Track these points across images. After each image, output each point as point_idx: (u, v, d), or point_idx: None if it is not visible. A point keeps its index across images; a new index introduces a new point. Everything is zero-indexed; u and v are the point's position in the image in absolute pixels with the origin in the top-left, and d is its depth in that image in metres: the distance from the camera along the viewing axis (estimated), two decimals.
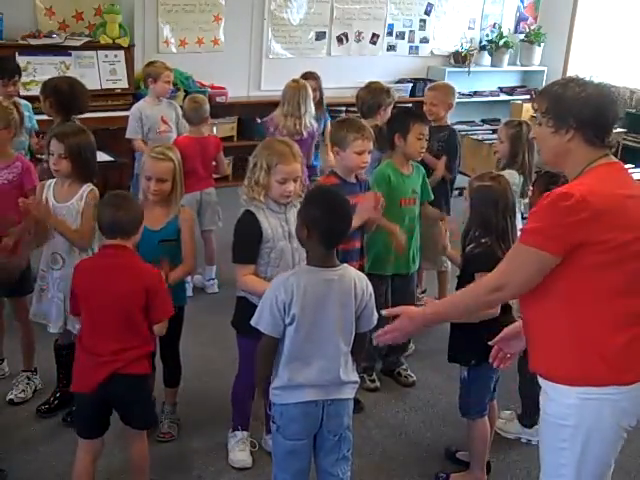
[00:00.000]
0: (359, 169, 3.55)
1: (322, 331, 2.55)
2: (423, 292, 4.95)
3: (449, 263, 4.76)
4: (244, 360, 3.23)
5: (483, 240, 3.05)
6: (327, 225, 2.53)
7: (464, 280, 3.10)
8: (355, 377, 2.69)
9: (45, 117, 4.52)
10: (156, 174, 3.20)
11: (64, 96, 4.19)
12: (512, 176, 3.97)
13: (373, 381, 4.02)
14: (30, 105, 4.68)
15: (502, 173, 3.95)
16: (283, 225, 3.06)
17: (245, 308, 3.05)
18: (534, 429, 3.62)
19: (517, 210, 3.92)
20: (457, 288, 3.16)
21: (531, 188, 3.64)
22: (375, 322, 2.69)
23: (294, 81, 5.13)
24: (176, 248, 3.26)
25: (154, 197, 3.22)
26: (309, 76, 5.56)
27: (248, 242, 3.03)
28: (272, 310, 2.53)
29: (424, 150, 3.90)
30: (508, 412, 3.75)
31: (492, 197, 3.04)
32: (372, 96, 4.66)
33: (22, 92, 5.79)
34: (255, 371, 2.77)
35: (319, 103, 5.50)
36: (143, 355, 2.80)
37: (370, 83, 4.85)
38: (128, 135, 5.19)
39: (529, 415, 3.63)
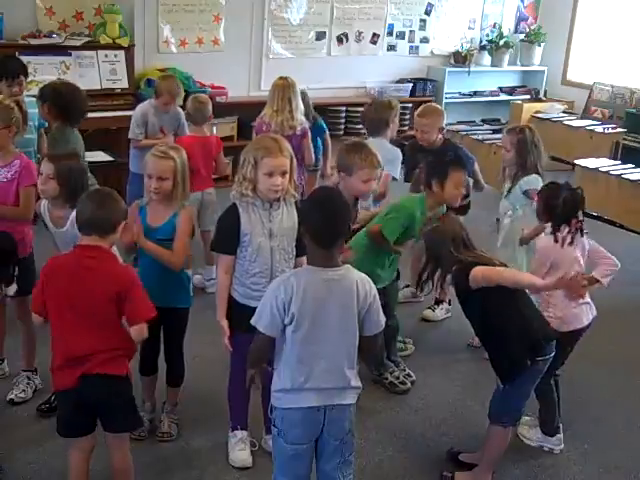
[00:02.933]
0: (363, 195, 3.57)
1: (323, 332, 2.54)
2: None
3: None
4: (236, 358, 3.23)
5: (454, 268, 3.09)
6: (319, 225, 2.54)
7: (470, 306, 3.14)
8: (358, 383, 2.66)
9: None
10: (157, 172, 3.20)
11: (63, 101, 4.16)
12: (536, 179, 4.02)
13: (404, 383, 4.01)
14: (35, 102, 4.66)
15: (525, 180, 4.05)
16: (264, 222, 3.08)
17: (233, 306, 3.10)
18: (556, 438, 3.59)
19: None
20: (470, 318, 3.17)
21: (536, 197, 3.62)
22: (383, 325, 2.66)
23: (281, 79, 5.11)
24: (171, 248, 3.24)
25: (155, 196, 3.23)
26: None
27: (225, 233, 3.12)
28: (272, 310, 2.53)
29: (461, 197, 3.79)
30: (528, 418, 3.68)
31: (445, 237, 3.11)
32: (377, 114, 4.60)
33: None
34: (247, 363, 2.76)
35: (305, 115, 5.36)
36: (120, 355, 2.77)
37: (373, 101, 4.86)
38: (130, 135, 5.19)
39: (548, 423, 3.59)
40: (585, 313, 3.47)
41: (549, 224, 3.48)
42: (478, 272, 3.02)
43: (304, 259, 3.02)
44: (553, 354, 3.13)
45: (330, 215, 2.53)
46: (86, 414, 2.79)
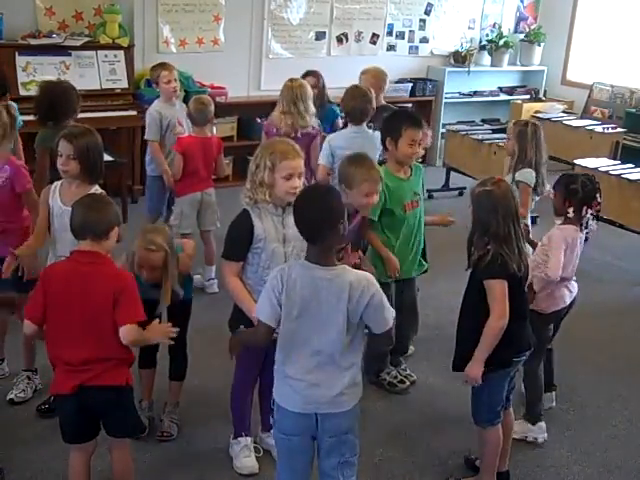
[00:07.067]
0: (364, 209, 3.48)
1: (309, 328, 2.51)
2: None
3: None
4: (239, 363, 3.21)
5: (488, 247, 2.96)
6: (306, 221, 2.54)
7: (472, 287, 3.05)
8: (355, 380, 2.62)
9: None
10: (148, 263, 3.14)
11: (45, 101, 4.09)
12: (530, 174, 4.15)
13: (402, 382, 4.02)
14: (16, 105, 4.54)
15: (519, 172, 4.15)
16: (278, 227, 3.05)
17: (242, 310, 3.04)
18: (537, 426, 3.62)
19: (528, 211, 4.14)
20: (465, 294, 3.11)
21: (552, 192, 3.65)
22: (391, 323, 2.58)
23: (290, 80, 5.12)
24: None
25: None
26: (309, 73, 5.60)
27: (237, 239, 3.07)
28: (270, 298, 2.53)
29: (417, 156, 3.77)
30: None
31: (491, 202, 2.97)
32: (355, 103, 4.60)
33: (22, 92, 5.84)
34: (242, 335, 2.82)
35: (320, 99, 5.50)
36: (117, 364, 2.75)
37: (348, 90, 4.78)
38: (147, 137, 5.20)
39: (532, 410, 3.61)
40: (567, 295, 3.61)
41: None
42: (499, 289, 2.93)
43: None
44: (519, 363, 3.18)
45: (317, 212, 2.51)
46: (88, 420, 2.80)
